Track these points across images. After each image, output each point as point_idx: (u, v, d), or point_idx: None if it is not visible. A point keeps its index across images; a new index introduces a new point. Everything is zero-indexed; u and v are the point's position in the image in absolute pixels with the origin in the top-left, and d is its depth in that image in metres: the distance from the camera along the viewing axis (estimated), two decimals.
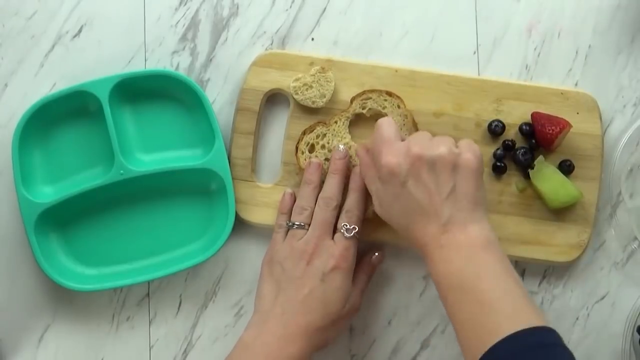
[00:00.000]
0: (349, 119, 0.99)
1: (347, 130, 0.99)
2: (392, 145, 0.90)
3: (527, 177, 0.99)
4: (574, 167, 0.99)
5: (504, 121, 0.99)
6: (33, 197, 0.97)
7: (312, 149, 0.99)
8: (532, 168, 0.98)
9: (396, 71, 1.00)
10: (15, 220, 1.00)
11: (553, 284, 1.01)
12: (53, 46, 1.03)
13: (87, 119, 1.00)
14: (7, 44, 1.03)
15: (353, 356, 1.01)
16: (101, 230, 1.00)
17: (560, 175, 0.98)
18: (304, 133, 0.99)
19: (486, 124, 1.00)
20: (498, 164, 0.99)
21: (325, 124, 0.99)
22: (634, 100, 1.02)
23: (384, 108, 0.99)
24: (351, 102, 0.99)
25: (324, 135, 0.99)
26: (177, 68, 1.03)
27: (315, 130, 0.99)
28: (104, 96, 0.97)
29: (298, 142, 0.99)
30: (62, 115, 1.00)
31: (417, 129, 0.98)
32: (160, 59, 1.03)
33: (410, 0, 1.03)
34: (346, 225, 0.94)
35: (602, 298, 1.01)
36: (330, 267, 0.92)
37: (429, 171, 0.87)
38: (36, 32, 1.03)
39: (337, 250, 0.93)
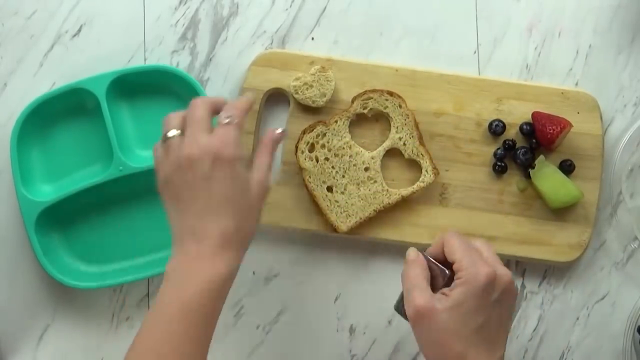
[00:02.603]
0: (349, 119, 0.99)
1: (347, 130, 0.99)
2: None
3: (527, 176, 0.99)
4: (574, 166, 0.99)
5: (505, 121, 0.99)
6: (33, 196, 0.97)
7: (312, 148, 0.99)
8: (533, 168, 0.98)
9: (396, 71, 1.00)
10: (16, 220, 1.00)
11: (553, 284, 1.01)
12: (52, 46, 1.02)
13: (85, 116, 1.00)
14: (6, 43, 1.02)
15: (353, 356, 1.01)
16: (101, 228, 1.00)
17: (560, 175, 0.98)
18: (304, 132, 0.99)
19: (487, 124, 1.00)
20: (498, 163, 0.99)
21: (325, 123, 0.99)
22: (634, 100, 1.02)
23: (385, 108, 0.98)
24: (352, 101, 0.99)
25: (324, 134, 0.99)
26: (176, 67, 1.02)
27: (315, 130, 0.99)
28: (101, 93, 0.97)
29: (298, 142, 0.99)
30: (60, 113, 1.00)
31: (418, 129, 0.98)
32: (160, 59, 1.03)
33: None
34: (224, 115, 0.84)
35: (603, 298, 1.01)
36: (211, 162, 0.81)
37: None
38: (35, 32, 1.02)
39: (214, 141, 0.82)
